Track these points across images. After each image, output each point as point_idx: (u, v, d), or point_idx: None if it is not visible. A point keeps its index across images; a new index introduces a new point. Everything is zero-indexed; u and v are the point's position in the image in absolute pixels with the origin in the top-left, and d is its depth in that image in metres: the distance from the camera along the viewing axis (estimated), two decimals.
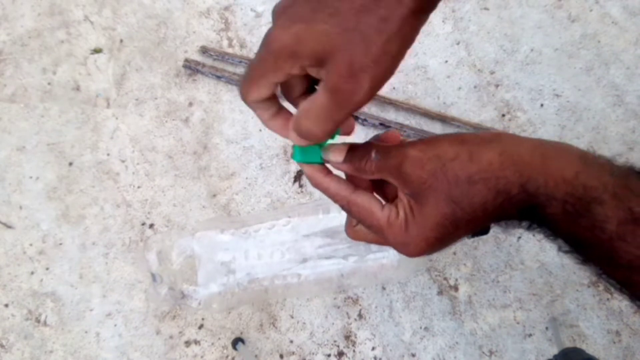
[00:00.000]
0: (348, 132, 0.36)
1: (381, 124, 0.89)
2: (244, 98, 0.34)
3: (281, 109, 0.35)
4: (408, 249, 0.34)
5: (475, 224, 0.33)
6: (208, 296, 0.58)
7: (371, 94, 0.30)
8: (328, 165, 0.37)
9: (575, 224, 0.30)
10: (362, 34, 0.28)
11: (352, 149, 0.35)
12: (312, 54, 0.29)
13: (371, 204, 0.35)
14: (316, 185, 0.36)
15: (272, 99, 0.34)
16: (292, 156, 0.36)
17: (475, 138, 0.33)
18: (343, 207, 0.36)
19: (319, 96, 0.30)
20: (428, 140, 0.34)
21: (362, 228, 0.37)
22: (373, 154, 0.34)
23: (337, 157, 0.36)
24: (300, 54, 0.29)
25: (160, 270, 0.56)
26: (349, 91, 0.29)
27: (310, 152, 0.35)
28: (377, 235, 0.36)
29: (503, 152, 0.32)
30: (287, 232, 0.59)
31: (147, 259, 0.57)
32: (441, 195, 0.32)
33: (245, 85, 0.33)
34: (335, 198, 0.36)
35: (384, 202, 0.36)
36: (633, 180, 0.30)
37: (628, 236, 0.29)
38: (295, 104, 0.34)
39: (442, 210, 0.32)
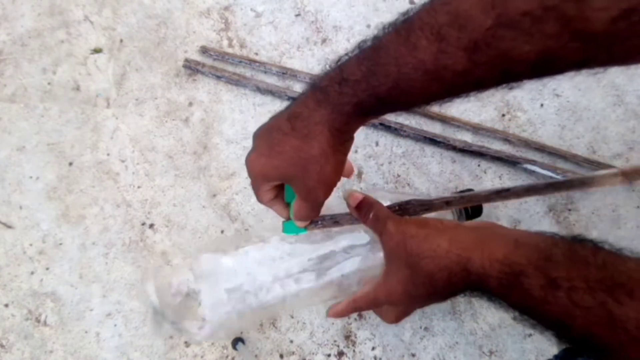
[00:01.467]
0: (348, 175, 0.53)
1: (381, 124, 0.89)
2: (259, 200, 0.50)
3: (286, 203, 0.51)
4: (389, 295, 0.45)
5: (430, 288, 0.42)
6: (214, 328, 0.55)
7: (328, 195, 0.46)
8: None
9: (511, 295, 0.38)
10: (303, 167, 0.42)
11: (363, 202, 0.48)
12: (278, 178, 0.45)
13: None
14: None
15: (279, 196, 0.50)
16: (283, 231, 0.53)
17: (436, 224, 0.44)
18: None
19: (298, 201, 0.46)
20: (402, 219, 0.46)
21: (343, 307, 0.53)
22: (371, 215, 0.47)
23: (352, 202, 0.49)
24: (270, 178, 0.45)
25: (160, 305, 0.54)
26: (312, 199, 0.45)
27: (295, 228, 0.52)
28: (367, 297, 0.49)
29: (452, 239, 0.42)
30: (287, 244, 0.59)
31: (146, 291, 0.55)
32: (402, 260, 0.43)
33: (256, 196, 0.49)
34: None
35: None
36: (555, 253, 0.36)
37: (550, 298, 0.35)
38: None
39: (402, 271, 0.43)
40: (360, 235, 0.56)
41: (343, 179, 0.51)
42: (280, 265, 0.57)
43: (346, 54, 0.42)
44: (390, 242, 0.44)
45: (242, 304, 0.55)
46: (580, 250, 0.36)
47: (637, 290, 0.32)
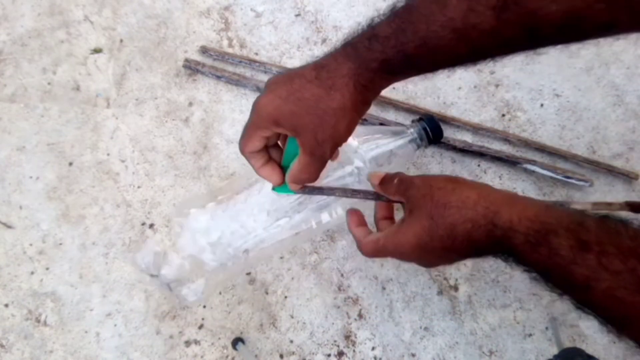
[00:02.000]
0: (334, 158, 0.50)
1: (381, 124, 0.89)
2: (242, 150, 0.48)
3: (270, 159, 0.49)
4: (398, 246, 0.44)
5: (448, 242, 0.42)
6: (207, 285, 0.57)
7: (332, 154, 0.45)
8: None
9: (536, 252, 0.38)
10: (319, 117, 0.41)
11: (386, 175, 0.49)
12: (288, 126, 0.43)
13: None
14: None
15: (263, 151, 0.48)
16: (273, 189, 0.51)
17: (465, 180, 0.44)
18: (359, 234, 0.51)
19: (301, 157, 0.45)
20: (430, 175, 0.46)
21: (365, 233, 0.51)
22: (395, 181, 0.47)
23: (376, 181, 0.49)
24: (280, 123, 0.43)
25: (153, 269, 0.56)
26: (318, 154, 0.44)
27: (284, 187, 0.50)
28: (379, 238, 0.47)
29: (481, 193, 0.41)
30: (264, 194, 0.61)
31: (136, 263, 0.58)
32: (424, 211, 0.42)
33: (242, 140, 0.47)
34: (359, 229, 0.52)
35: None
36: (586, 219, 0.37)
37: (579, 259, 0.35)
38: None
39: (422, 222, 0.42)
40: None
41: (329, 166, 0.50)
42: (257, 215, 0.58)
43: (379, 15, 0.43)
44: (416, 194, 0.43)
45: (224, 255, 0.57)
46: (611, 222, 0.36)
47: None
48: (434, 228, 0.41)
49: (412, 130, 0.74)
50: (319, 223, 0.64)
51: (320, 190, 0.52)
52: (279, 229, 0.60)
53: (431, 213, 0.41)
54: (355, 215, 0.53)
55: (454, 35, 0.39)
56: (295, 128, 0.43)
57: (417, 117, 0.80)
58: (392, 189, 0.47)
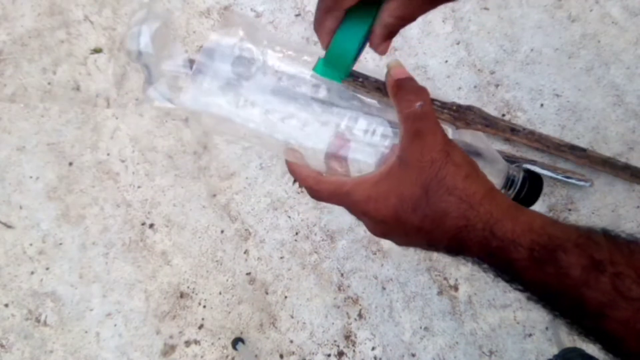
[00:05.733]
0: (383, 52, 0.39)
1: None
2: (319, 26, 0.37)
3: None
4: (369, 201, 0.35)
5: (429, 225, 0.35)
6: (196, 96, 0.42)
7: (415, 12, 0.34)
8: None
9: (542, 271, 0.33)
10: None
11: (410, 81, 0.37)
12: None
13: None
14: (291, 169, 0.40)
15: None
16: (314, 69, 0.39)
17: (479, 171, 0.36)
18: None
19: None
20: (453, 141, 0.37)
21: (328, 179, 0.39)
22: (417, 104, 0.35)
23: (396, 74, 0.37)
24: None
25: (152, 49, 0.41)
26: None
27: (331, 72, 0.39)
28: (342, 187, 0.37)
29: (489, 193, 0.35)
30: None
31: (137, 33, 0.40)
32: (422, 176, 0.34)
33: (321, 15, 0.36)
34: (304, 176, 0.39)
35: None
36: (595, 234, 0.32)
37: (592, 282, 0.31)
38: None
39: (412, 187, 0.34)
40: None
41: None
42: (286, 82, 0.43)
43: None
44: (423, 150, 0.35)
45: (231, 92, 0.41)
46: (622, 240, 0.32)
47: None
48: (422, 202, 0.34)
49: (512, 172, 0.62)
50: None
51: (366, 82, 0.40)
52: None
53: (429, 185, 0.34)
54: (298, 152, 0.41)
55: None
56: None
57: (525, 165, 0.70)
58: (405, 103, 0.36)
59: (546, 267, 0.32)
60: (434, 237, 0.35)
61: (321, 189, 0.37)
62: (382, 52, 0.38)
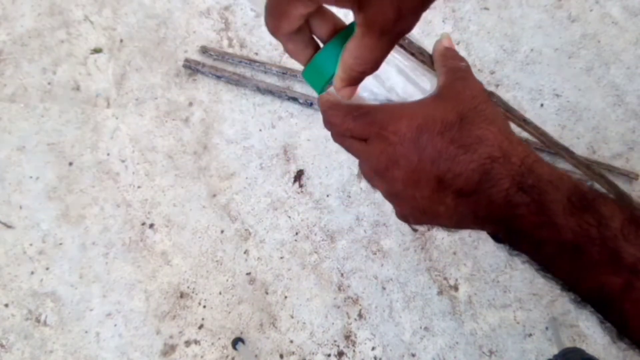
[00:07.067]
0: (346, 96, 0.35)
1: None
2: (274, 31, 0.31)
3: (312, 39, 0.34)
4: (386, 121, 0.33)
5: (454, 152, 0.32)
6: None
7: (406, 26, 0.30)
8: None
9: (580, 218, 0.30)
10: None
11: (454, 51, 0.38)
12: None
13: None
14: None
15: (304, 29, 0.32)
16: (303, 74, 0.35)
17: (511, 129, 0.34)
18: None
19: (364, 38, 0.29)
20: (496, 107, 0.35)
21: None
22: (463, 64, 0.35)
23: (448, 42, 0.38)
24: None
25: None
26: (394, 31, 0.29)
27: (318, 79, 0.36)
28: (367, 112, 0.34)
29: (526, 142, 0.32)
30: None
31: None
32: (460, 108, 0.32)
33: (279, 18, 0.30)
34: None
35: None
36: (633, 202, 0.31)
37: (632, 236, 0.29)
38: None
39: (446, 113, 0.32)
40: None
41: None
42: None
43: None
44: (464, 87, 0.34)
45: None
46: None
47: None
48: (453, 128, 0.31)
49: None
50: None
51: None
52: None
53: (466, 114, 0.32)
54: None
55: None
56: None
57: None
58: (451, 61, 0.36)
59: (585, 214, 0.30)
60: (455, 165, 0.32)
61: (339, 107, 0.35)
62: (346, 96, 0.34)
